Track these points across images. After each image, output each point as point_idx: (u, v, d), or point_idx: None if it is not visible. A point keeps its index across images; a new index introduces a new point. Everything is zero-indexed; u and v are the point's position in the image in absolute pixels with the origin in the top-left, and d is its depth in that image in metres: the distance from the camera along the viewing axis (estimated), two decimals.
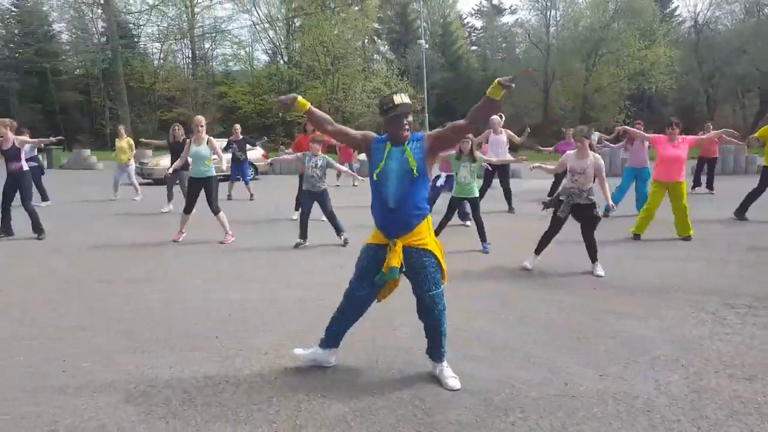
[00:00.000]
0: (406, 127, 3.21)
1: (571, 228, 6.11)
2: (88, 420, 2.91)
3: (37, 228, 8.12)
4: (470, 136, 7.28)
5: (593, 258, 5.95)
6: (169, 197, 11.09)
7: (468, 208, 8.03)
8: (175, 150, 10.91)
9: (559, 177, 10.97)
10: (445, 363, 3.39)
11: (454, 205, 7.31)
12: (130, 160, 13.00)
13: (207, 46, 44.70)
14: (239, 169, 13.05)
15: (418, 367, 3.53)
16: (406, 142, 3.24)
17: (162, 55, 44.53)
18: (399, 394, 3.18)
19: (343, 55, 37.80)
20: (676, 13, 46.55)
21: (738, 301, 4.88)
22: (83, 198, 13.35)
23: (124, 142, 12.83)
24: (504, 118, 11.02)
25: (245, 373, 3.46)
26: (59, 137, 11.45)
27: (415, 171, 3.17)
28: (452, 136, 3.29)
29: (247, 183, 13.15)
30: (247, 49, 44.51)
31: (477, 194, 7.26)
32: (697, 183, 14.08)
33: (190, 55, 44.67)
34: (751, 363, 3.58)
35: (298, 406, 3.05)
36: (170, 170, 8.81)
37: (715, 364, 3.57)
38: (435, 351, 3.41)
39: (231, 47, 44.60)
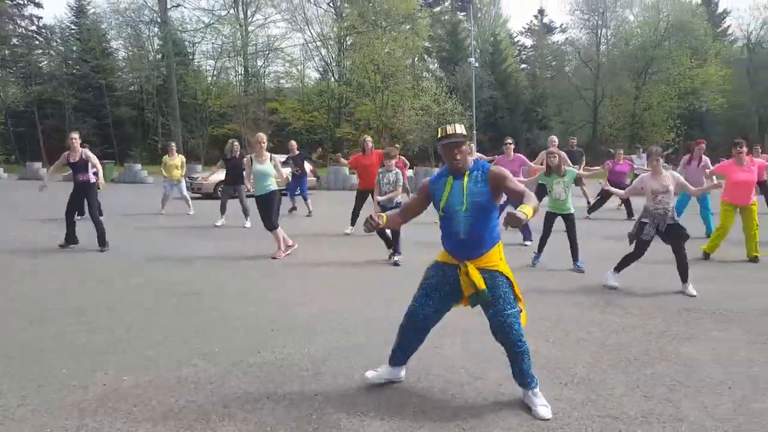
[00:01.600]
0: (457, 157, 3.13)
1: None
2: None
3: (102, 241, 8.16)
4: (558, 151, 7.15)
5: (685, 278, 5.76)
6: (222, 210, 11.24)
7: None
8: (231, 166, 11.10)
9: (606, 194, 10.92)
10: (536, 389, 3.16)
11: (550, 220, 7.09)
12: (182, 176, 13.25)
13: (260, 63, 45.52)
14: (297, 184, 13.14)
15: (461, 386, 3.45)
16: (467, 174, 3.17)
17: (215, 72, 45.65)
18: (441, 413, 3.11)
19: (392, 73, 38.06)
20: (729, 32, 45.25)
21: None
22: (137, 211, 13.74)
23: (177, 159, 13.06)
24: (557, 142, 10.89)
25: (285, 390, 3.42)
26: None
27: (480, 204, 3.12)
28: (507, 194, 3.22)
29: (306, 199, 13.18)
30: (298, 67, 45.41)
31: (572, 210, 6.96)
32: None
33: (242, 72, 45.52)
34: None
35: (337, 424, 2.99)
36: (249, 188, 8.17)
37: (764, 388, 3.45)
38: (521, 375, 3.16)
39: (283, 65, 45.51)
